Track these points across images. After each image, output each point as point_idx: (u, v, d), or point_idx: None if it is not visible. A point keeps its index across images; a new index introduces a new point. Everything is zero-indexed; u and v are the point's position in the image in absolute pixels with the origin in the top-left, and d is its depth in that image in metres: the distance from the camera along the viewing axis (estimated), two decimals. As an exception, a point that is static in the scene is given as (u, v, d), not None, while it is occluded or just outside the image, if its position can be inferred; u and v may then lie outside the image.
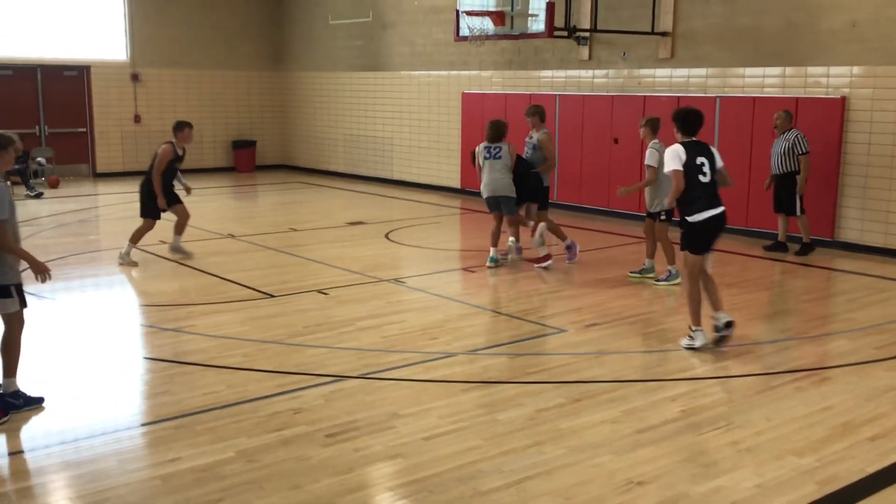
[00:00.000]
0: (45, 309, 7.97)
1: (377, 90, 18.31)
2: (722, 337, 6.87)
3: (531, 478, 4.63)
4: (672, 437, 5.19)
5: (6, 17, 17.66)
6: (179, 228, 10.52)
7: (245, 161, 20.49)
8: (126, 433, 5.27)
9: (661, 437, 5.20)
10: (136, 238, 10.17)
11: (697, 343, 6.84)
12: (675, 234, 10.78)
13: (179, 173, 10.46)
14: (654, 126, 9.13)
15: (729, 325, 6.82)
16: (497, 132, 9.87)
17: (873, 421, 5.50)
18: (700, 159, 6.74)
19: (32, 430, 5.32)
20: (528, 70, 15.10)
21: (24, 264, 5.60)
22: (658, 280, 9.23)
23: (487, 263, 9.96)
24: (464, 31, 13.76)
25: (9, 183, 5.55)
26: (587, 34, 13.78)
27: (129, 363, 6.67)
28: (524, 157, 10.15)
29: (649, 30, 12.96)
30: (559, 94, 14.39)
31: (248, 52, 20.62)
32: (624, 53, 13.60)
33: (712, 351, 6.82)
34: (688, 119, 6.90)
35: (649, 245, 9.39)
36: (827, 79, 11.24)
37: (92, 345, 7.18)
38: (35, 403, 5.59)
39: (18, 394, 5.55)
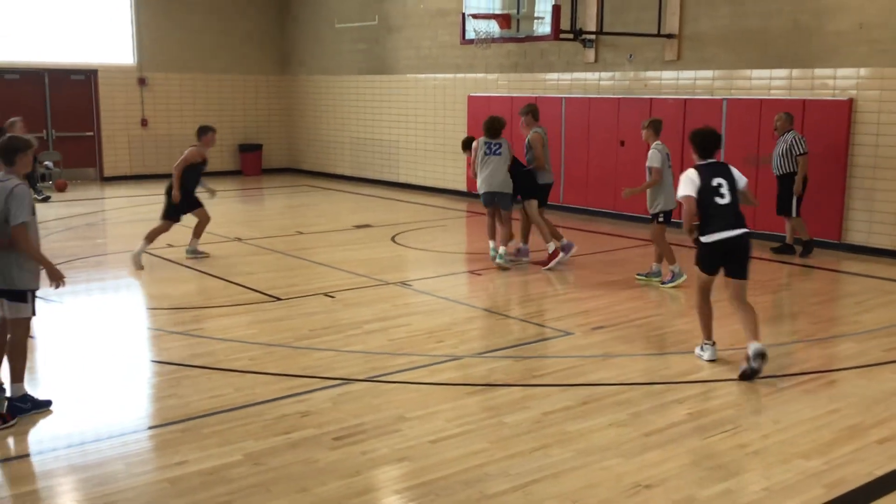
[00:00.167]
0: (52, 312, 7.99)
1: (383, 93, 18.32)
2: (750, 371, 6.17)
3: (538, 481, 4.63)
4: (679, 441, 5.18)
5: (14, 22, 17.74)
6: (198, 232, 10.61)
7: (252, 164, 20.54)
8: (133, 436, 5.28)
9: (668, 440, 5.19)
10: (150, 237, 10.27)
11: (706, 356, 6.70)
12: (672, 236, 10.75)
13: (202, 178, 10.61)
14: (655, 127, 9.14)
15: (759, 355, 6.14)
16: (497, 128, 9.94)
17: (881, 424, 5.48)
18: (717, 180, 6.42)
19: (40, 434, 5.34)
20: (533, 73, 15.10)
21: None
22: (664, 282, 9.22)
23: (492, 256, 10.03)
24: (470, 35, 13.76)
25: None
26: (593, 36, 13.78)
27: (136, 366, 6.69)
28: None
29: (655, 32, 12.95)
30: (565, 97, 14.38)
31: (255, 55, 20.67)
32: (630, 56, 13.59)
33: (720, 354, 6.79)
34: (705, 141, 6.61)
35: (656, 248, 9.38)
36: (834, 80, 11.22)
37: (99, 348, 7.20)
38: (43, 407, 5.61)
39: (26, 398, 5.56)
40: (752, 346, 6.19)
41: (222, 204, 15.95)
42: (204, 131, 10.52)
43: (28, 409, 5.52)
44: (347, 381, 6.22)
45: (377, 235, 12.44)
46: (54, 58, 18.28)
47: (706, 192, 6.38)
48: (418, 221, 13.72)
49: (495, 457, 4.92)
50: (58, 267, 5.70)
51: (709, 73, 12.64)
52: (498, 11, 13.74)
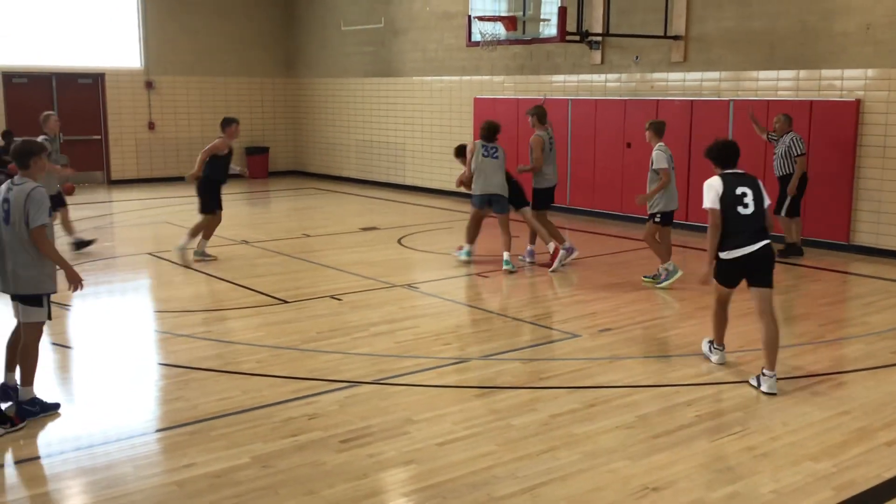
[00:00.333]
0: (59, 315, 8.01)
1: (389, 96, 18.34)
2: (753, 385, 6.08)
3: (545, 483, 4.62)
4: (687, 443, 5.17)
5: (21, 26, 17.81)
6: (207, 234, 10.72)
7: (258, 167, 20.57)
8: (141, 439, 5.28)
9: (676, 442, 5.17)
10: (195, 232, 10.59)
11: (713, 359, 6.64)
12: (678, 238, 10.72)
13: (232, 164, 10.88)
14: (656, 129, 9.16)
15: (769, 393, 5.95)
16: (494, 133, 10.11)
17: (890, 426, 5.45)
18: (741, 189, 6.09)
19: (48, 437, 5.35)
20: (540, 75, 15.09)
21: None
22: (659, 282, 9.23)
23: (459, 255, 10.33)
24: (476, 37, 13.77)
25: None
26: (599, 38, 13.77)
27: (143, 369, 6.70)
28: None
29: (662, 33, 12.94)
30: (571, 99, 14.38)
31: (261, 59, 20.71)
32: (636, 57, 13.58)
33: (728, 356, 6.76)
34: (721, 153, 6.33)
35: (662, 250, 9.37)
36: (841, 81, 11.19)
37: (107, 351, 7.22)
38: (51, 410, 5.62)
39: (35, 401, 5.58)
40: (766, 381, 6.00)
41: (229, 207, 15.91)
42: (228, 123, 10.71)
43: (37, 412, 5.53)
44: (354, 383, 6.22)
45: (384, 238, 12.44)
46: (62, 61, 18.35)
47: (729, 201, 6.08)
48: (425, 224, 13.72)
49: (503, 459, 4.91)
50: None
51: (715, 75, 12.62)
52: (504, 14, 13.73)
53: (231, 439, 5.20)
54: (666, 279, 9.20)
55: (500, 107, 15.50)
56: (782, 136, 10.75)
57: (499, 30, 13.60)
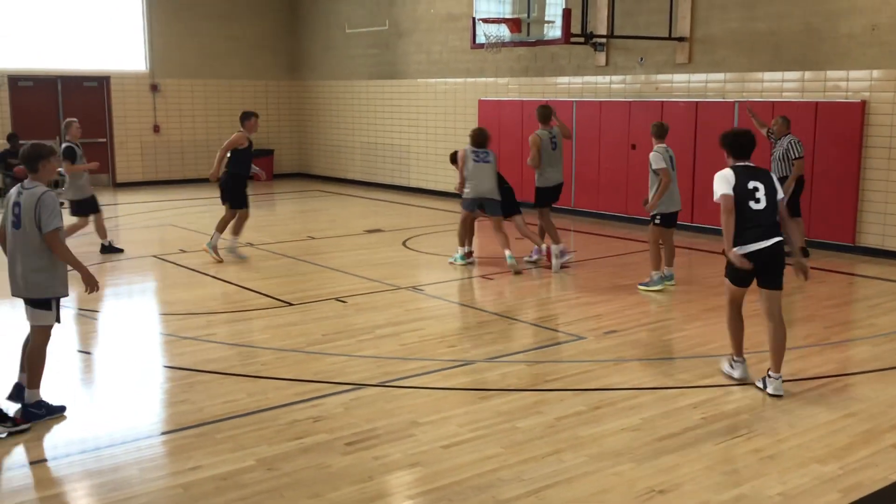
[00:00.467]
0: (65, 318, 8.01)
1: (394, 98, 18.35)
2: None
3: (551, 486, 4.61)
4: (693, 445, 5.15)
5: (27, 30, 17.86)
6: (233, 228, 10.92)
7: (263, 169, 20.55)
8: (146, 442, 5.29)
9: (682, 444, 5.16)
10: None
11: (735, 374, 6.25)
12: (682, 239, 10.69)
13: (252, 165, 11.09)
14: (654, 131, 9.17)
15: (776, 396, 5.94)
16: (484, 138, 10.33)
17: (897, 428, 5.44)
18: (753, 183, 5.88)
19: (54, 439, 5.36)
20: (544, 77, 15.09)
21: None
22: (641, 283, 9.22)
23: (454, 260, 10.44)
24: (480, 39, 13.77)
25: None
26: (604, 40, 13.76)
27: (149, 372, 6.71)
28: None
29: (666, 35, 12.93)
30: (576, 101, 14.37)
31: (266, 61, 20.74)
32: (641, 59, 13.57)
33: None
34: (737, 141, 6.07)
35: (665, 253, 9.35)
36: (846, 83, 11.17)
37: (112, 353, 7.23)
38: (57, 412, 5.63)
39: (41, 403, 5.59)
40: (772, 383, 5.98)
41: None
42: (247, 116, 10.82)
43: (42, 414, 5.54)
44: (360, 385, 6.22)
45: (388, 240, 12.45)
46: (67, 65, 18.39)
47: (741, 195, 5.87)
48: (429, 226, 13.72)
49: (508, 462, 4.91)
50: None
51: (720, 76, 12.60)
52: (508, 16, 13.74)
53: (237, 442, 5.20)
54: (650, 284, 9.15)
55: (504, 109, 15.50)
56: (780, 139, 10.72)
57: (503, 32, 13.61)
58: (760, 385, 6.08)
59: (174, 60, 19.42)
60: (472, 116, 16.31)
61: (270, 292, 9.11)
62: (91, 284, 5.68)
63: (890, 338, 7.48)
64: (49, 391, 5.80)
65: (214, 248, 10.71)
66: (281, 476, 4.75)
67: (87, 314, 8.38)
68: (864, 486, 4.63)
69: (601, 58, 14.10)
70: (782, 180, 10.70)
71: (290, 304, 8.64)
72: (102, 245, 11.26)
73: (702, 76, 12.83)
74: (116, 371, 6.78)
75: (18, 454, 5.16)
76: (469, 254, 10.58)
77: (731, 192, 5.87)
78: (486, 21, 13.67)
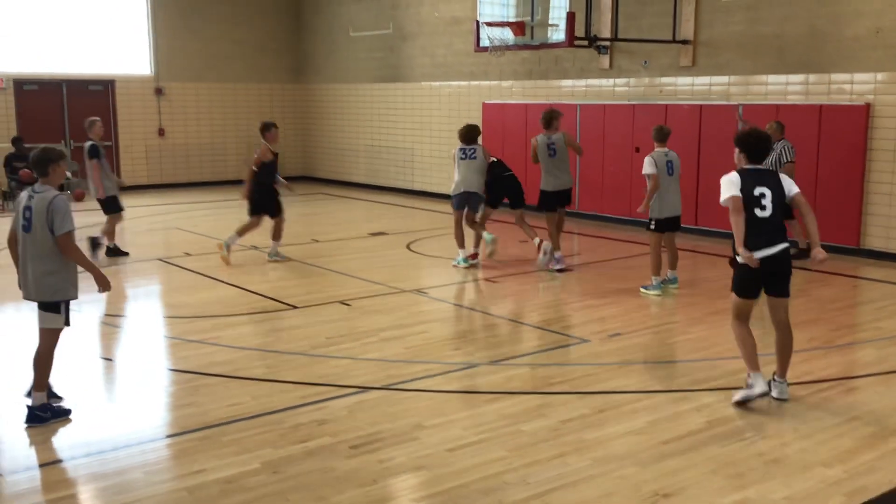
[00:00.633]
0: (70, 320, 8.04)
1: (398, 101, 18.37)
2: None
3: (556, 489, 4.61)
4: (698, 449, 5.15)
5: (32, 33, 17.91)
6: (277, 234, 11.06)
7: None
8: (151, 445, 5.30)
9: (686, 448, 5.16)
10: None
11: (756, 391, 5.80)
12: (685, 242, 10.67)
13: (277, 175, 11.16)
14: (656, 135, 9.19)
15: (781, 400, 5.90)
16: (471, 135, 10.52)
17: (902, 431, 5.43)
18: (759, 190, 5.71)
19: (59, 442, 5.37)
20: (548, 80, 15.10)
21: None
22: (643, 287, 9.22)
23: (457, 263, 10.49)
24: (484, 42, 13.79)
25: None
26: (608, 43, 13.77)
27: (153, 375, 6.72)
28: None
29: (670, 38, 12.93)
30: (580, 104, 14.37)
31: (270, 65, 20.78)
32: (645, 62, 13.57)
33: (738, 361, 6.74)
34: (753, 145, 5.85)
35: (668, 257, 9.35)
36: (851, 86, 11.15)
37: (117, 357, 7.24)
38: (62, 415, 5.65)
39: (46, 406, 5.60)
40: (777, 387, 5.94)
41: (239, 212, 16.01)
42: (268, 128, 10.94)
43: (47, 418, 5.56)
44: (364, 389, 6.22)
45: (392, 243, 12.46)
46: (72, 68, 18.44)
47: (747, 201, 5.70)
48: (433, 229, 13.73)
49: (513, 465, 4.91)
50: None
51: (724, 79, 12.59)
52: (512, 19, 13.76)
53: (241, 445, 5.21)
54: (650, 288, 9.14)
55: (508, 112, 15.51)
56: (774, 144, 10.70)
57: (507, 35, 13.63)
58: (766, 388, 6.07)
59: (179, 64, 19.46)
60: (475, 120, 16.27)
61: (275, 295, 9.12)
62: (103, 284, 5.72)
63: (895, 341, 7.47)
64: (25, 391, 5.82)
65: (228, 248, 10.78)
66: (286, 479, 4.75)
67: (92, 318, 8.39)
68: (869, 490, 4.62)
69: (605, 61, 14.10)
70: None
71: (295, 308, 8.65)
72: (108, 248, 11.29)
73: (706, 79, 12.83)
74: (121, 374, 6.79)
75: (24, 457, 5.18)
76: (473, 255, 10.59)
77: (738, 193, 5.71)
78: (490, 24, 13.69)
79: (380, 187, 19.03)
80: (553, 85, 15.02)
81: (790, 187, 5.84)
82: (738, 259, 5.79)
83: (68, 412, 5.69)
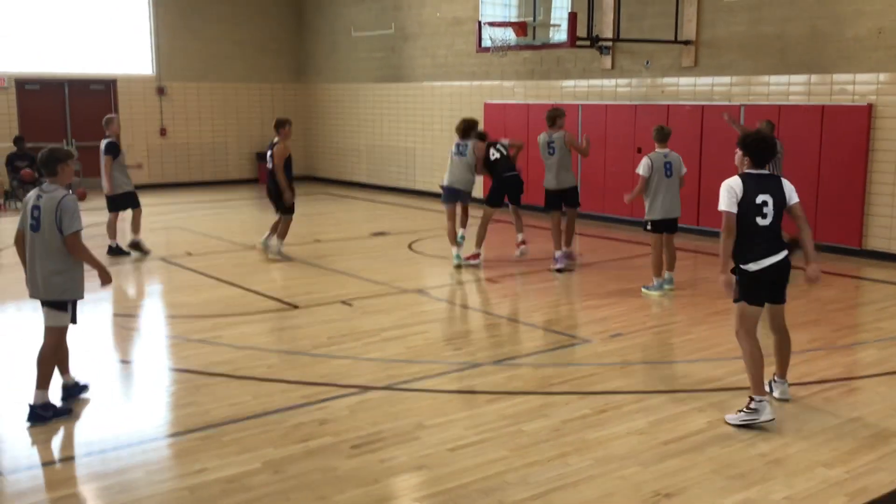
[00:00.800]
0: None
1: (400, 101, 18.38)
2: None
3: (557, 489, 4.61)
4: (699, 449, 5.15)
5: (34, 33, 17.93)
6: (282, 233, 11.21)
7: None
8: (153, 444, 5.30)
9: (688, 448, 5.16)
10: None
11: (763, 417, 5.47)
12: (686, 242, 10.65)
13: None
14: (656, 135, 9.23)
15: (782, 400, 5.85)
16: (467, 129, 10.66)
17: (904, 432, 5.43)
18: (761, 197, 5.51)
19: (60, 442, 5.38)
20: (550, 80, 15.10)
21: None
22: (645, 286, 9.23)
23: (455, 263, 10.52)
24: (486, 42, 13.78)
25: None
26: (610, 43, 13.76)
27: (155, 374, 6.72)
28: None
29: (672, 38, 12.92)
30: (582, 104, 14.37)
31: (272, 64, 20.79)
32: (647, 62, 13.57)
33: (738, 361, 6.72)
34: (759, 149, 5.64)
35: (665, 257, 9.35)
36: (853, 86, 11.15)
37: (119, 356, 7.24)
38: (63, 415, 5.65)
39: (48, 405, 5.61)
40: (778, 388, 5.93)
41: (240, 212, 16.05)
42: (282, 124, 11.02)
43: (49, 416, 5.56)
44: (365, 388, 6.22)
45: (394, 243, 12.46)
46: (74, 68, 18.46)
47: (747, 209, 5.52)
48: (435, 229, 13.71)
49: (514, 465, 4.91)
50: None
51: (726, 80, 12.59)
52: (514, 19, 13.75)
53: (242, 444, 5.21)
54: (651, 288, 9.15)
55: (510, 112, 15.51)
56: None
57: (509, 35, 13.62)
58: (767, 389, 6.07)
59: (181, 64, 19.48)
60: (477, 119, 16.30)
61: (276, 295, 9.13)
62: (107, 281, 5.82)
63: (896, 341, 7.47)
64: (56, 393, 5.83)
65: (279, 252, 11.07)
66: (287, 479, 4.76)
67: (94, 317, 8.40)
68: (870, 491, 4.61)
69: (607, 61, 14.10)
70: None
71: (296, 307, 8.65)
72: (110, 247, 11.30)
73: (708, 80, 12.82)
74: (123, 373, 6.80)
75: (25, 456, 5.19)
76: (475, 255, 10.58)
77: (734, 209, 5.52)
78: (492, 24, 13.68)
79: (381, 187, 19.03)
80: (555, 85, 15.02)
81: (791, 195, 5.67)
82: (744, 268, 5.61)
83: (70, 411, 5.70)
